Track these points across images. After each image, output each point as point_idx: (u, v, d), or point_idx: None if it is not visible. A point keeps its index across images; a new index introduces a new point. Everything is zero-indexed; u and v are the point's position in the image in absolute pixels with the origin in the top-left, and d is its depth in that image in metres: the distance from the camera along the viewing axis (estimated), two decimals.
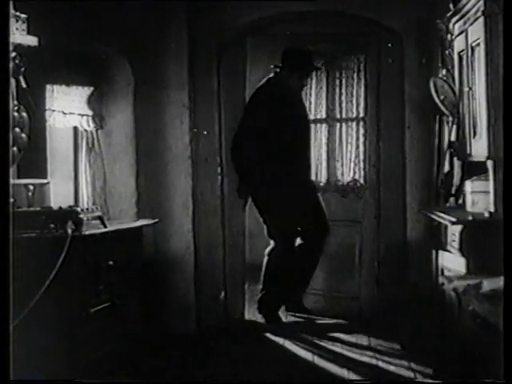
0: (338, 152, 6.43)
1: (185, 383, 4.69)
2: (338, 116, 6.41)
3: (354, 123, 6.39)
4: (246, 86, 6.37)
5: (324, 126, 6.45)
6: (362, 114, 6.37)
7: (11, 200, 3.95)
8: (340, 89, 6.39)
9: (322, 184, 6.45)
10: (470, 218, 4.59)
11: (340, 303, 6.39)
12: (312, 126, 6.39)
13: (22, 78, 4.43)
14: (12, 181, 4.06)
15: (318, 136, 6.48)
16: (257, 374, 4.91)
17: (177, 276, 6.01)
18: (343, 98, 6.39)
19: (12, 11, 4.23)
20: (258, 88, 6.14)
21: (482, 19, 4.53)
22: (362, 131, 6.38)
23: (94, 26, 5.39)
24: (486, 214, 4.51)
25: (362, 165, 6.39)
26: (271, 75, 6.11)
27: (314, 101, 6.44)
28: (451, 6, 5.18)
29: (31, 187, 4.69)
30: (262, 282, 6.13)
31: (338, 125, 6.42)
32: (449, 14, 5.25)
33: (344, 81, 6.39)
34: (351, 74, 6.38)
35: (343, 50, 6.38)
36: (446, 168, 5.66)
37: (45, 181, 4.97)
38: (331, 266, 6.39)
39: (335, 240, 6.36)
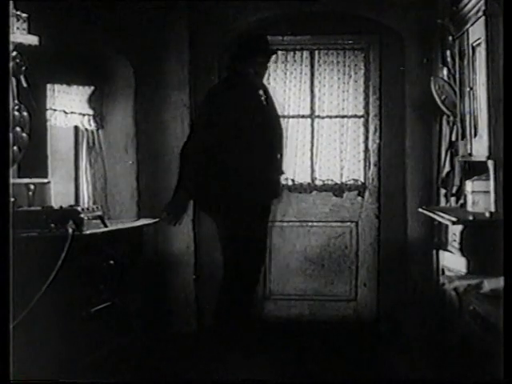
0: (332, 150, 6.42)
1: (184, 383, 4.69)
2: (330, 113, 6.40)
3: (350, 121, 6.38)
4: None
5: (310, 121, 6.43)
6: (361, 112, 6.37)
7: (12, 199, 3.95)
8: (338, 86, 6.38)
9: (306, 183, 6.42)
10: (471, 217, 4.59)
11: (336, 305, 6.39)
12: (303, 121, 6.39)
13: (22, 78, 4.43)
14: (12, 180, 4.06)
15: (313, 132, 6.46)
16: (257, 373, 4.91)
17: (177, 276, 6.02)
18: (339, 95, 6.39)
19: (13, 10, 4.23)
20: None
21: (482, 19, 4.53)
22: (362, 129, 6.38)
23: (95, 26, 5.39)
24: (487, 214, 4.51)
25: (362, 164, 6.39)
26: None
27: (310, 97, 6.42)
28: (452, 5, 5.18)
29: (32, 187, 4.69)
30: None
31: (330, 122, 6.41)
32: (450, 14, 5.25)
33: (341, 78, 6.38)
34: (348, 71, 6.37)
35: (341, 48, 6.38)
36: (447, 168, 5.66)
37: (45, 180, 4.98)
38: (326, 266, 6.39)
39: (329, 241, 6.37)
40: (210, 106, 5.30)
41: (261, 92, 5.33)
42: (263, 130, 5.28)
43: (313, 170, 6.39)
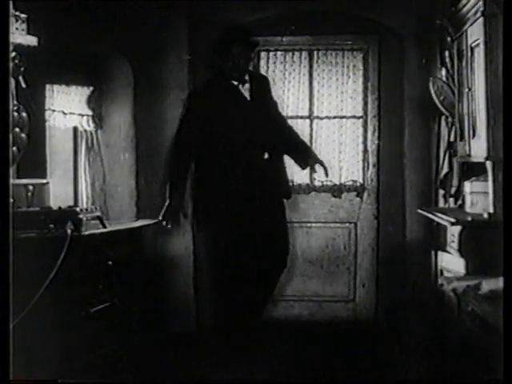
0: (331, 151, 6.41)
1: (185, 383, 4.69)
2: (329, 114, 6.40)
3: (349, 122, 6.39)
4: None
5: (309, 122, 6.42)
6: (360, 113, 6.37)
7: (11, 200, 3.95)
8: (337, 87, 6.38)
9: (305, 183, 6.40)
10: (469, 218, 4.59)
11: (334, 306, 6.38)
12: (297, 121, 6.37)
13: (21, 78, 4.43)
14: (12, 181, 4.06)
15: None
16: (256, 373, 4.91)
17: (176, 276, 6.01)
18: (337, 95, 6.39)
19: (12, 11, 4.23)
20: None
21: (481, 20, 4.54)
22: (360, 130, 6.38)
23: (94, 26, 5.39)
24: (485, 215, 4.52)
25: (360, 164, 6.39)
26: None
27: (308, 98, 6.42)
28: (451, 6, 5.19)
29: (31, 187, 4.70)
30: None
31: (329, 122, 6.41)
32: (448, 15, 5.25)
33: (340, 78, 6.38)
34: (347, 71, 6.38)
35: (340, 48, 6.38)
36: (445, 168, 5.66)
37: (44, 181, 4.97)
38: (325, 267, 6.39)
39: (328, 242, 6.37)
40: (188, 106, 5.18)
41: (245, 86, 5.11)
42: (243, 128, 5.08)
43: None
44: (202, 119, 5.07)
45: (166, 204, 5.07)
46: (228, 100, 5.10)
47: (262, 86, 5.25)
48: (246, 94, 5.15)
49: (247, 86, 5.16)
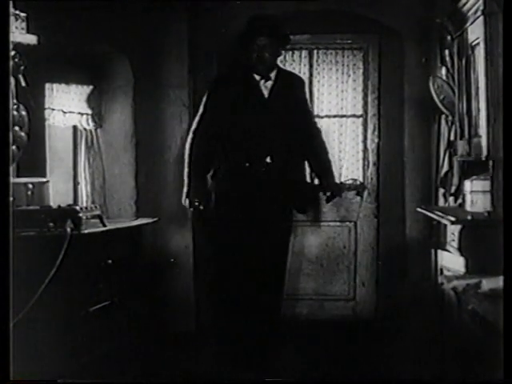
0: (331, 149, 6.39)
1: (185, 383, 4.69)
2: (329, 113, 6.40)
3: (349, 120, 6.38)
4: None
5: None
6: (360, 112, 6.37)
7: (11, 199, 3.95)
8: (337, 86, 6.38)
9: None
10: (469, 217, 4.59)
11: (334, 305, 6.38)
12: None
13: (21, 77, 4.43)
14: (11, 179, 4.06)
15: None
16: (256, 373, 4.91)
17: (176, 275, 6.01)
18: (337, 94, 6.39)
19: (12, 10, 4.23)
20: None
21: (481, 18, 4.54)
22: (360, 129, 6.38)
23: (94, 25, 5.39)
24: (485, 214, 4.52)
25: (360, 163, 6.39)
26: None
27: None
28: (451, 5, 5.19)
29: (30, 186, 4.69)
30: None
31: (329, 121, 6.41)
32: (448, 13, 5.25)
33: (340, 77, 6.38)
34: (347, 70, 6.37)
35: (340, 47, 6.37)
36: (446, 167, 5.66)
37: (44, 179, 4.97)
38: (325, 266, 6.39)
39: (328, 241, 6.37)
40: (205, 100, 5.03)
41: (266, 84, 4.86)
42: (249, 126, 4.86)
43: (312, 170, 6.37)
44: (218, 110, 4.90)
45: (185, 190, 4.96)
46: (241, 94, 4.87)
47: (289, 86, 4.98)
48: (265, 92, 4.90)
49: (270, 83, 4.91)
